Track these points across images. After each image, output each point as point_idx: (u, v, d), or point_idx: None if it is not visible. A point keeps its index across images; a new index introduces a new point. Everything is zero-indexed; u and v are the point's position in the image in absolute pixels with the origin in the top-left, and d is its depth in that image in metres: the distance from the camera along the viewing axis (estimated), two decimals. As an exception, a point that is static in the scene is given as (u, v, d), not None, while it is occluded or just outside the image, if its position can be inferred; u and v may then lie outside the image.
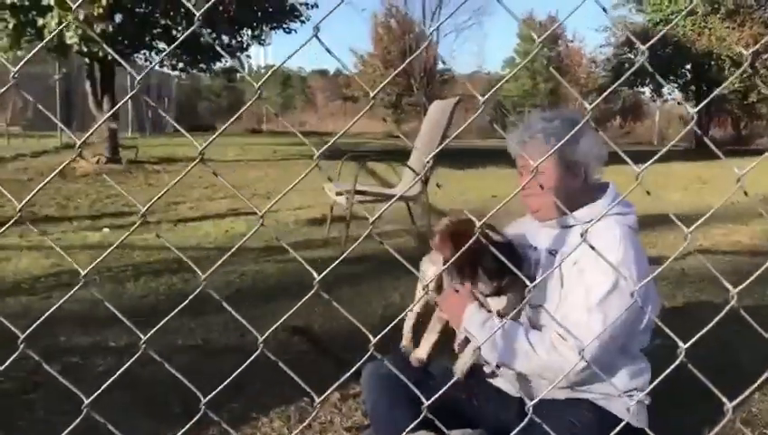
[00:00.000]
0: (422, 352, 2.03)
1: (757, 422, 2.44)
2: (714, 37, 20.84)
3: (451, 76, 34.53)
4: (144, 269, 4.35)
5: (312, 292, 0.94)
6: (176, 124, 1.11)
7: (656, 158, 1.20)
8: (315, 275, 0.86)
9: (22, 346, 0.94)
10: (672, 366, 0.92)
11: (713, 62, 21.46)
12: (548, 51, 35.41)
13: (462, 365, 1.89)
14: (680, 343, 0.88)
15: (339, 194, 4.52)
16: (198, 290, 1.01)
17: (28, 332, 0.97)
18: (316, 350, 3.02)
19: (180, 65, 12.39)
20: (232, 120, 1.14)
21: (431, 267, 2.00)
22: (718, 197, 7.12)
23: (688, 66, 23.39)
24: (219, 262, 1.06)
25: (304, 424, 2.30)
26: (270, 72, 1.59)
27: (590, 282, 1.69)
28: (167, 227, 5.94)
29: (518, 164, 1.95)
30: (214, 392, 1.03)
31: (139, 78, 0.91)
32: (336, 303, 1.05)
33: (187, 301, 0.89)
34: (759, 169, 0.74)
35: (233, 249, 1.05)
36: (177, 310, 0.77)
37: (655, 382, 1.18)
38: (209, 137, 0.99)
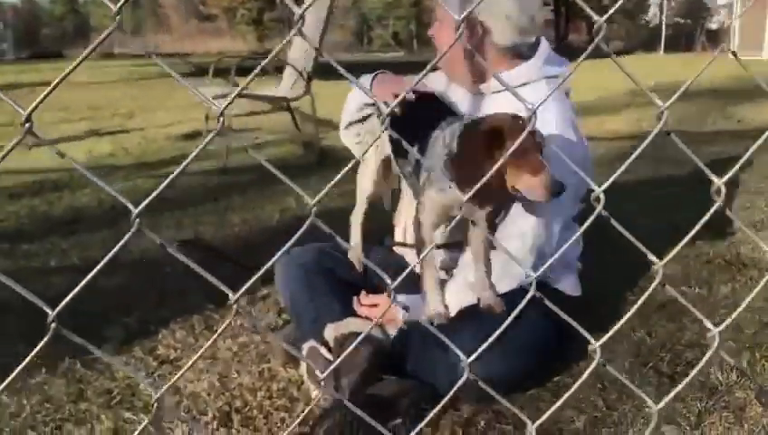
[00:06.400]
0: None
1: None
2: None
3: (313, -11, 33.34)
4: (-3, 193, 3.88)
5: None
6: None
7: None
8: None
9: None
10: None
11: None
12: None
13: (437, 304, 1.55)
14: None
15: (218, 97, 4.15)
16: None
17: None
18: (213, 258, 2.74)
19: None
20: None
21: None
22: (582, 94, 7.24)
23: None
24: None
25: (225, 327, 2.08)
26: None
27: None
28: (20, 150, 5.30)
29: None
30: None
31: None
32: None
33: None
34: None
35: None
36: None
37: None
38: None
